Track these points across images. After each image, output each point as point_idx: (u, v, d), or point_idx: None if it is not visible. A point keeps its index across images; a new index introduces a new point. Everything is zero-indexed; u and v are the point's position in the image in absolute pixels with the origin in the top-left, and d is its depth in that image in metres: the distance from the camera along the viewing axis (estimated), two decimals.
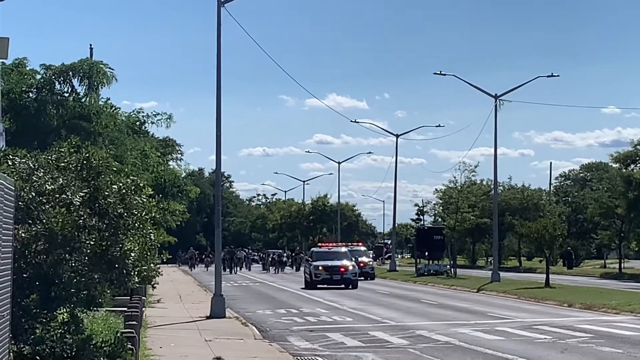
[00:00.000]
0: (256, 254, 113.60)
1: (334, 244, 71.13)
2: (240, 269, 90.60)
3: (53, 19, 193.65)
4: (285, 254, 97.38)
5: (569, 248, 72.15)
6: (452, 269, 68.20)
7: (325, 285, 53.06)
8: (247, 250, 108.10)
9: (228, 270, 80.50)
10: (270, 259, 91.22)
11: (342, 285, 53.42)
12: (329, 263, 54.55)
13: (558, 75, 64.00)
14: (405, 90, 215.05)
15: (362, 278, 61.03)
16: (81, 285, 13.72)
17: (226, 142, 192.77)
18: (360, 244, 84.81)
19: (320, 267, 54.31)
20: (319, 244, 67.42)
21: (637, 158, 70.98)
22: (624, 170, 73.07)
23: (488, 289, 50.78)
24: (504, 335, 26.18)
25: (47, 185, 13.48)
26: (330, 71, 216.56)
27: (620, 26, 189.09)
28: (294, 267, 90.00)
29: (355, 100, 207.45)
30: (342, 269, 54.16)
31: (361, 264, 63.48)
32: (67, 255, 13.47)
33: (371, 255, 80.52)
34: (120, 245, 13.91)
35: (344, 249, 60.66)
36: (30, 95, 39.42)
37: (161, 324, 28.77)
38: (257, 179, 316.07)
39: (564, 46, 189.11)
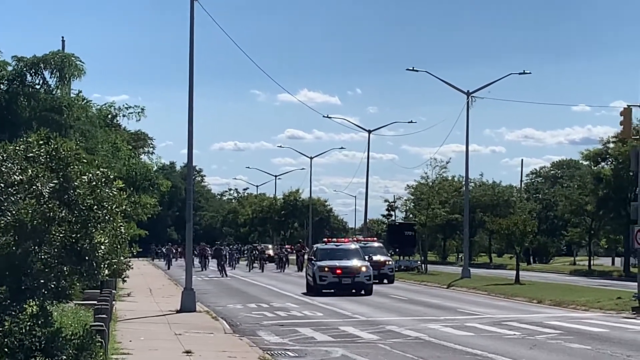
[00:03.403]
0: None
1: (343, 240, 59.35)
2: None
3: (25, 11, 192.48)
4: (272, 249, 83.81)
5: (526, 244, 72.51)
6: (423, 265, 68.40)
7: (333, 291, 43.69)
8: (231, 246, 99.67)
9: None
10: (255, 255, 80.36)
11: (353, 291, 43.93)
12: (337, 263, 44.69)
13: (530, 73, 64.59)
14: (377, 86, 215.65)
15: (378, 281, 50.57)
16: (51, 277, 13.66)
17: (198, 136, 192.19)
18: (374, 239, 69.27)
19: (326, 269, 44.33)
20: (324, 240, 55.48)
21: (607, 156, 71.50)
22: (594, 167, 73.67)
23: (458, 285, 50.98)
24: (473, 331, 26.27)
25: (15, 176, 13.41)
26: (302, 66, 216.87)
27: (592, 25, 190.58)
28: (297, 267, 74.46)
29: (327, 96, 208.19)
30: (354, 271, 44.31)
31: (377, 264, 52.59)
32: (36, 247, 13.41)
33: (390, 253, 65.43)
34: (90, 238, 13.84)
35: (354, 246, 49.94)
36: (2, 87, 39.21)
37: (131, 318, 28.69)
38: (229, 174, 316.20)
39: (536, 44, 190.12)
